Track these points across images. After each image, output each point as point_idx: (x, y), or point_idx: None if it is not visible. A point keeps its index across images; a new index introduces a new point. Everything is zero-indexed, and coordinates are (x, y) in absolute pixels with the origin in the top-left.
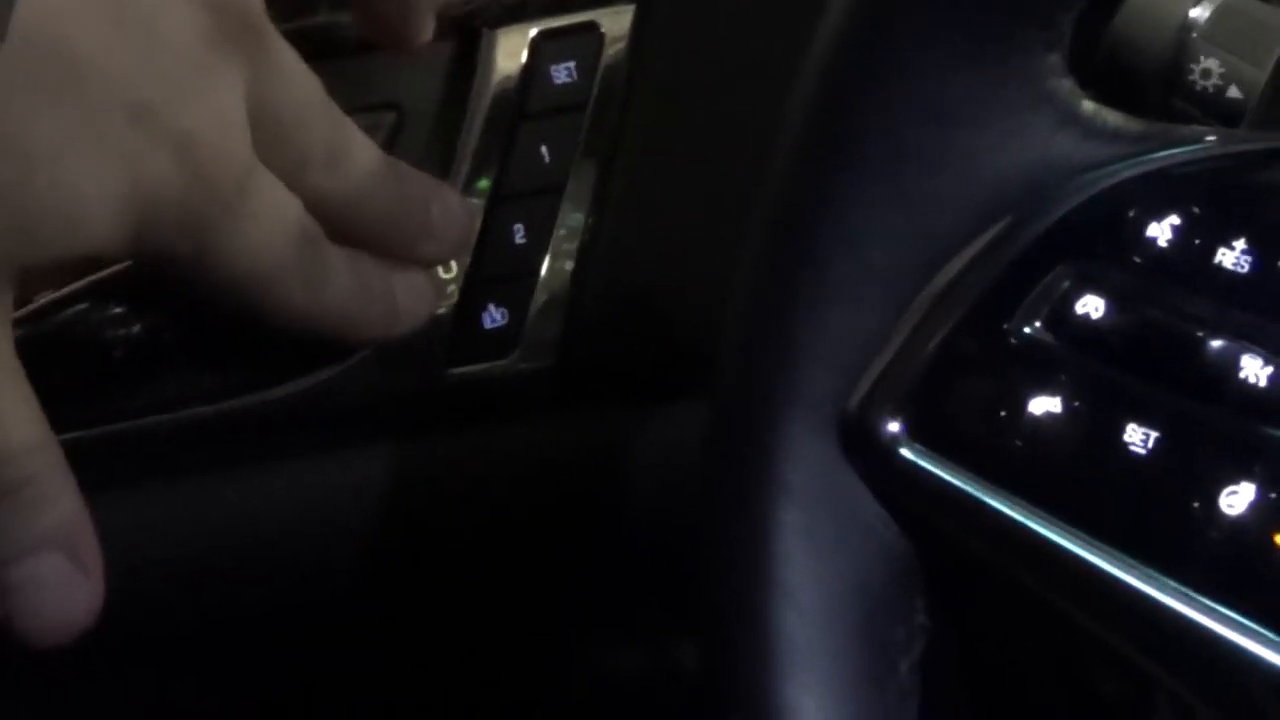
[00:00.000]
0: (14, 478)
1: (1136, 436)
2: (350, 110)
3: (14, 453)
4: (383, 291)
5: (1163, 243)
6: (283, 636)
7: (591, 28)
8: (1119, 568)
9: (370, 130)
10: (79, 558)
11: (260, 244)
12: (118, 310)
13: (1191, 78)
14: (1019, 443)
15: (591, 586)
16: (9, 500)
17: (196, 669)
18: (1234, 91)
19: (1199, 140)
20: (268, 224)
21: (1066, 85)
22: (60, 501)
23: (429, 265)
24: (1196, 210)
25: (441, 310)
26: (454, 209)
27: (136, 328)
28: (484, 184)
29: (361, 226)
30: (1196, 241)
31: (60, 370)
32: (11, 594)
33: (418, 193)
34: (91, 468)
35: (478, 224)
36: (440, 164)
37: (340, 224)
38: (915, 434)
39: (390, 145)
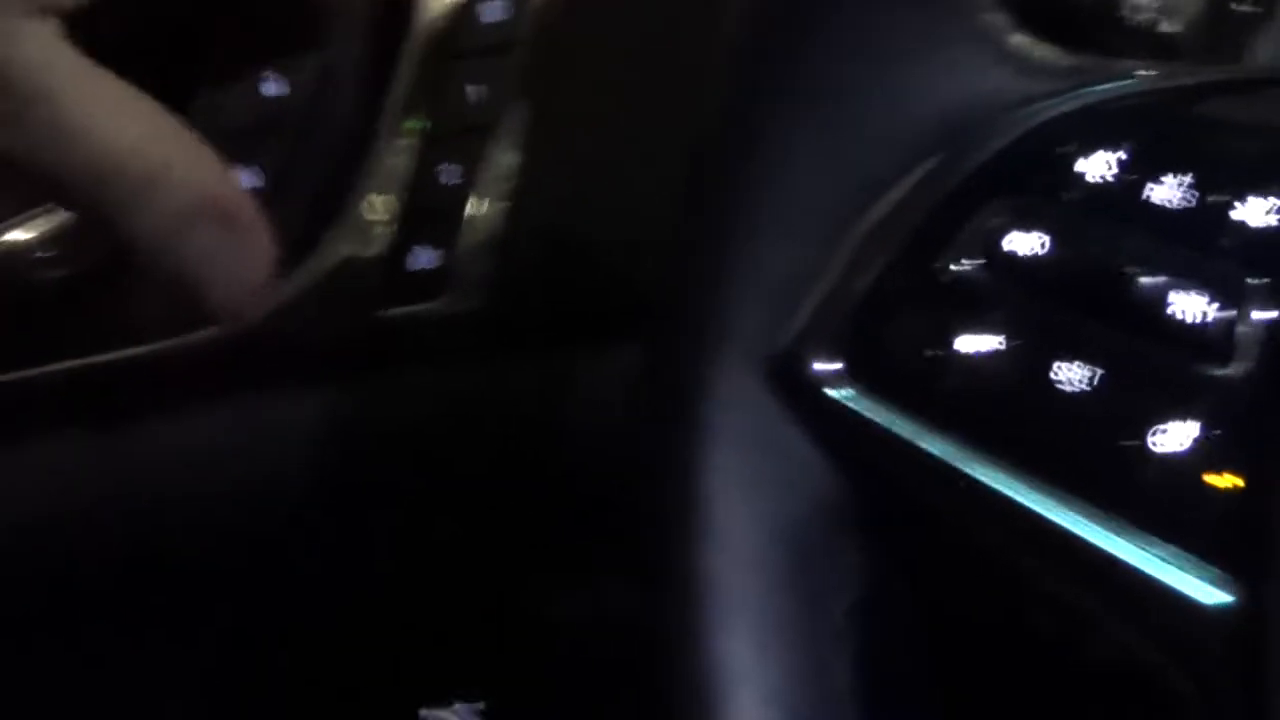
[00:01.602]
0: (142, 169)
1: (1070, 374)
2: (278, 49)
3: (130, 148)
4: None
5: (1095, 178)
6: (214, 582)
7: None
8: (1054, 507)
9: (300, 68)
10: (231, 221)
11: None
12: (48, 253)
13: (1124, 12)
14: (952, 381)
15: (527, 531)
16: (145, 192)
17: (127, 616)
18: (1167, 25)
19: (1131, 75)
20: None
21: (999, 19)
22: (195, 175)
23: None
24: (1130, 145)
25: (371, 251)
26: None
27: (64, 270)
28: (413, 124)
29: None
30: (1130, 177)
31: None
32: (182, 280)
33: None
34: (19, 410)
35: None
36: (371, 104)
37: None
38: (847, 374)
39: (321, 84)
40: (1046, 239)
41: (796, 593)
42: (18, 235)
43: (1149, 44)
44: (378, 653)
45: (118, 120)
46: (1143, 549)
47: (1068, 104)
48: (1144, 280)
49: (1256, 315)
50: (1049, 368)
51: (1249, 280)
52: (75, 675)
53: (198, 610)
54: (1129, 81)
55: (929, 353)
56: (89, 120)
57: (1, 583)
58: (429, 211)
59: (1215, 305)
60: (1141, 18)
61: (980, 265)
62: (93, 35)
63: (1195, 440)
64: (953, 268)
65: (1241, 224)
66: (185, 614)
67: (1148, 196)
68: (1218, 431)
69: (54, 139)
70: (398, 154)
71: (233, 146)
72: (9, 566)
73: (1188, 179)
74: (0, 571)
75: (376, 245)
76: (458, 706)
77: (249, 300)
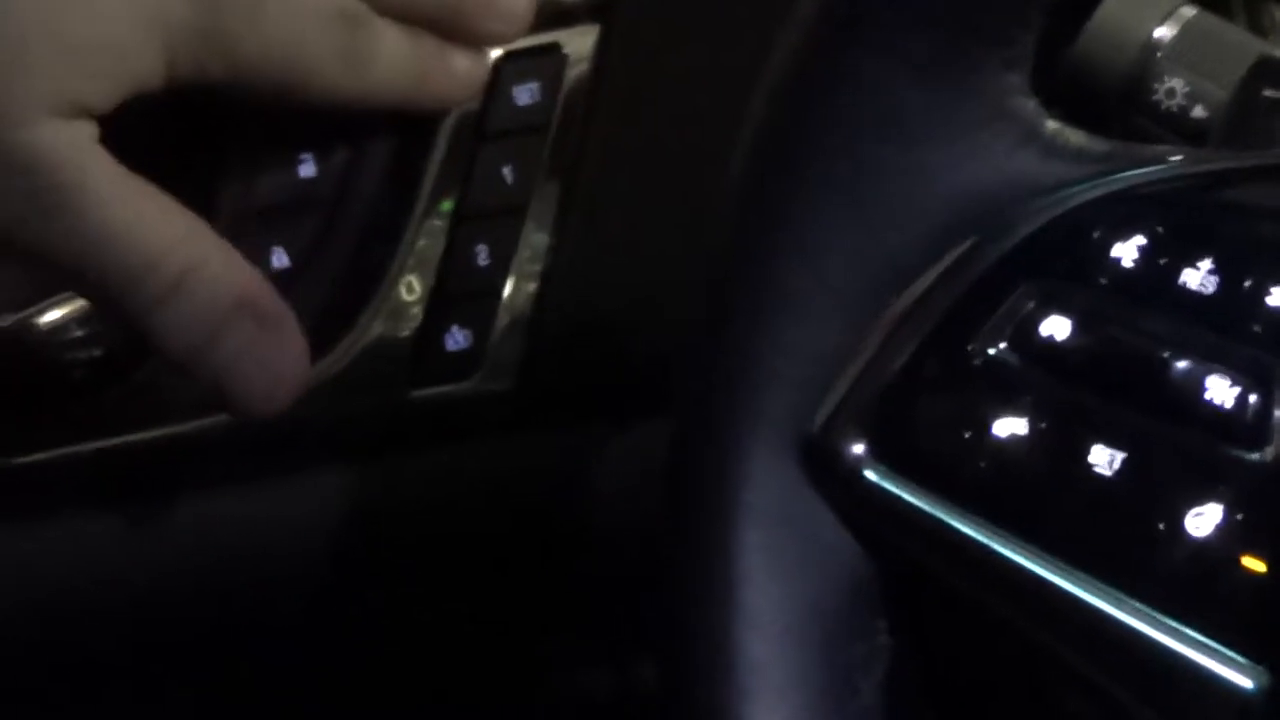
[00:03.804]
0: (174, 272)
1: (1102, 457)
2: (312, 125)
3: (162, 250)
4: (440, 67)
5: (1127, 263)
6: (243, 656)
7: (554, 49)
8: (1083, 589)
9: (332, 149)
10: (265, 318)
11: (289, 40)
12: (79, 333)
13: (1156, 97)
14: (983, 464)
15: (553, 605)
16: (180, 294)
17: (154, 688)
18: (1198, 111)
19: (1163, 160)
20: (295, 18)
21: (1029, 104)
22: (229, 275)
23: (492, 44)
24: (1161, 230)
25: (404, 331)
26: None
27: (97, 351)
28: (446, 205)
29: (418, 8)
30: (1161, 262)
31: (20, 391)
32: (219, 376)
33: None
34: (49, 489)
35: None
36: (403, 184)
37: (401, 8)
38: (878, 456)
39: (353, 165)
40: (1078, 323)
41: (825, 668)
42: (50, 316)
43: (1180, 129)
44: None
45: (149, 222)
46: (1171, 631)
47: (1099, 189)
48: (1176, 365)
49: None
50: (1080, 451)
51: None
52: None
53: (216, 685)
54: (1160, 167)
55: (960, 435)
56: (121, 222)
57: (25, 654)
58: (461, 292)
59: (1247, 390)
60: (1173, 104)
61: (1011, 349)
62: (124, 126)
63: (1225, 524)
64: (984, 351)
65: (1273, 309)
66: (204, 687)
67: (1179, 282)
68: (1248, 516)
69: (86, 239)
70: (430, 235)
71: (265, 227)
72: (32, 637)
73: (1219, 264)
74: (24, 642)
75: (408, 326)
76: None
77: (283, 395)
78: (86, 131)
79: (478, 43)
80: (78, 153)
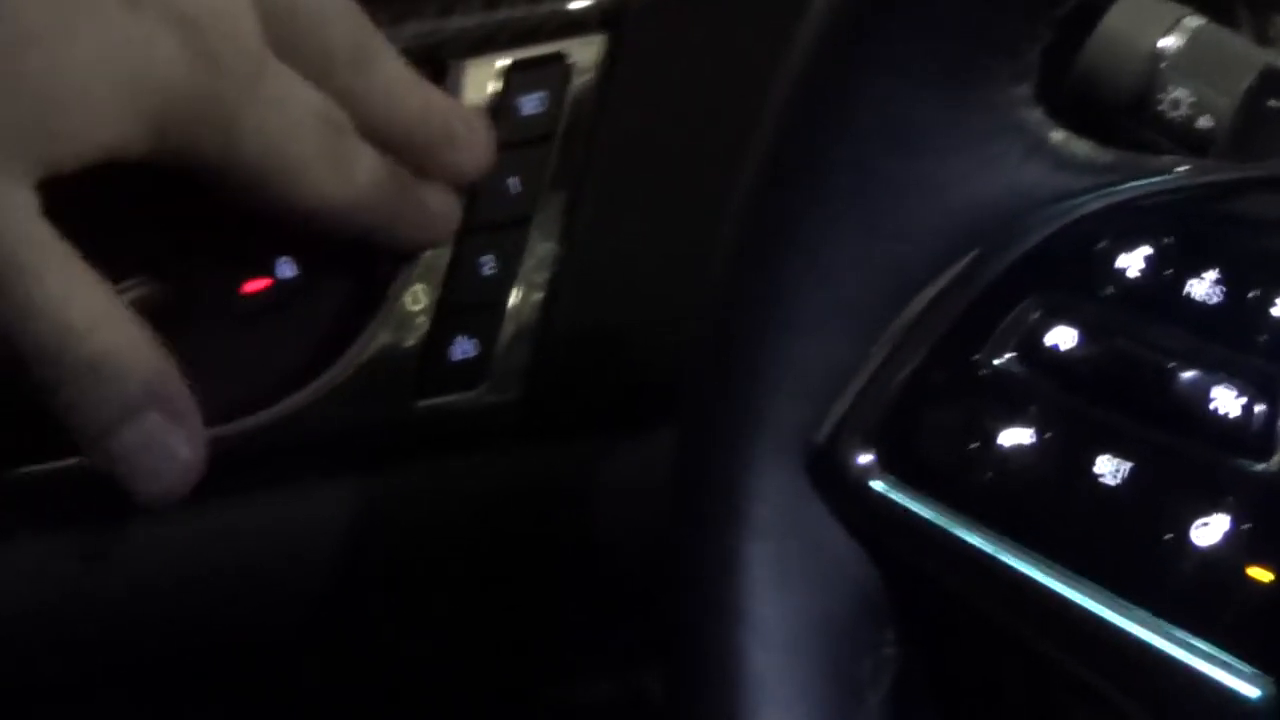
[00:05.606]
0: (89, 353)
1: (1108, 468)
2: None
3: (81, 331)
4: (415, 192)
5: (1133, 273)
6: (247, 667)
7: (560, 58)
8: (1091, 599)
9: None
10: (172, 411)
11: (283, 130)
12: None
13: (1161, 107)
14: (990, 474)
15: (559, 616)
16: (91, 376)
17: (151, 702)
18: (1204, 121)
19: (1169, 170)
20: (289, 110)
21: (1035, 115)
22: (141, 363)
23: (453, 177)
24: (1167, 241)
25: (410, 341)
26: (475, 123)
27: None
28: None
29: (391, 129)
30: (1167, 272)
31: (22, 404)
32: (118, 464)
33: (441, 102)
34: (55, 501)
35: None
36: None
37: (369, 125)
38: (885, 466)
39: None
40: (1084, 334)
41: (831, 682)
42: None
43: (1185, 140)
44: None
45: (74, 303)
46: (1177, 640)
47: (1105, 199)
48: (1182, 376)
49: None
50: (1086, 461)
51: None
52: None
53: (219, 695)
54: (1166, 177)
55: (966, 445)
56: (48, 299)
57: (18, 669)
58: (467, 303)
59: (1253, 401)
60: (1178, 114)
61: (1018, 360)
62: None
63: (1231, 534)
64: (990, 362)
65: (1279, 320)
66: (205, 699)
67: (1185, 292)
68: (1254, 526)
69: (8, 313)
70: (435, 245)
71: (271, 239)
72: (27, 650)
73: (1225, 275)
74: (19, 656)
75: (414, 336)
76: None
77: (180, 488)
78: (27, 201)
79: (443, 175)
80: (23, 226)
